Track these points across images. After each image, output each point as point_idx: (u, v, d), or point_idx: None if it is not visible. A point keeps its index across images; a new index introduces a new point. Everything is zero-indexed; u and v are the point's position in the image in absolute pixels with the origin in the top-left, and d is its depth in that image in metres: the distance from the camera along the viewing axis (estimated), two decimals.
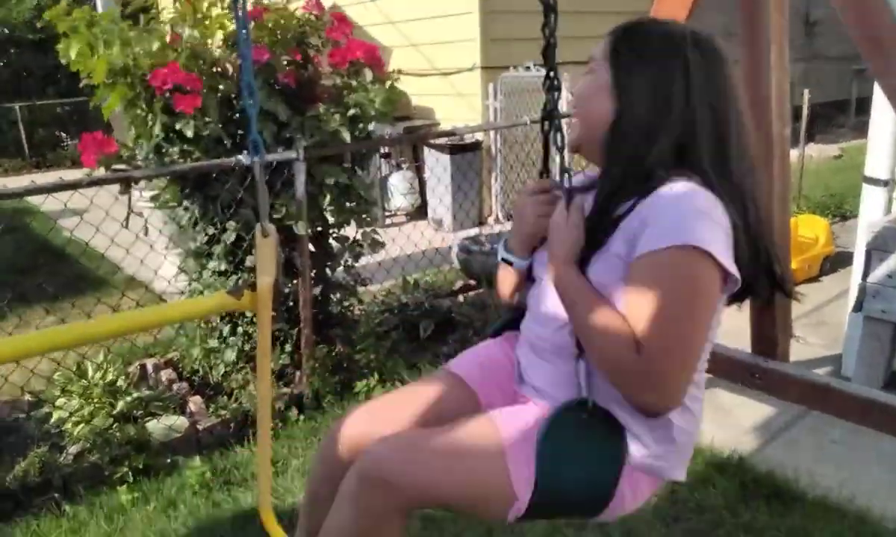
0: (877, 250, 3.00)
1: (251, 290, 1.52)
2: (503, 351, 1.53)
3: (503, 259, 1.45)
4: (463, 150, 5.61)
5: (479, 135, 5.76)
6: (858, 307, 3.12)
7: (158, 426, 2.84)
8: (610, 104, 1.25)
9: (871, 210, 3.25)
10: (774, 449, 2.83)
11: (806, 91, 5.88)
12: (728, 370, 2.12)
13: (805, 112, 5.81)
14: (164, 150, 2.85)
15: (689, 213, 1.13)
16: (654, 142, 1.19)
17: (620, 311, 1.17)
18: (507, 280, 1.48)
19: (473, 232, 4.68)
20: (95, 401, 2.76)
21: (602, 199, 1.26)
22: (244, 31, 1.46)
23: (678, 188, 1.15)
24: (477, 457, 1.25)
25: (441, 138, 5.34)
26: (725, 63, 1.25)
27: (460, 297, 4.24)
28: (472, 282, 4.45)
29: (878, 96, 2.98)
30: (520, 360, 1.45)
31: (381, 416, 1.43)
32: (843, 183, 6.44)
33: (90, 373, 2.91)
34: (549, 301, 1.32)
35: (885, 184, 3.21)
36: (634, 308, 1.15)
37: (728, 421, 3.03)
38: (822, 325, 3.96)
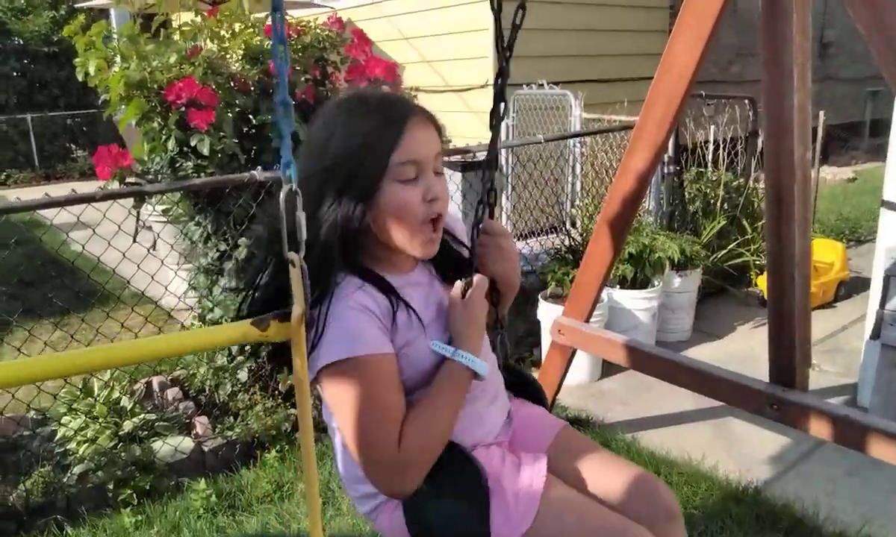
0: (895, 277, 2.95)
1: (278, 321, 1.46)
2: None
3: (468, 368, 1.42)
4: (474, 167, 5.59)
5: None
6: (876, 335, 3.06)
7: (164, 447, 2.80)
8: None
9: (890, 235, 3.20)
10: (790, 481, 2.78)
11: (821, 113, 5.83)
12: (745, 399, 2.07)
13: (820, 134, 5.76)
14: (178, 164, 2.84)
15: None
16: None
17: None
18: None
19: None
20: (101, 420, 2.73)
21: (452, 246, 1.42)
22: (281, 46, 1.40)
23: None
24: None
25: (455, 155, 5.32)
26: None
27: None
28: None
29: None
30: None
31: None
32: (857, 206, 6.38)
33: (96, 390, 2.88)
34: None
35: None
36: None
37: (742, 452, 2.98)
38: (837, 352, 3.91)
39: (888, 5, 1.46)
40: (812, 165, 6.12)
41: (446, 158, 5.77)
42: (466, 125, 6.14)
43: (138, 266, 2.86)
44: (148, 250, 3.33)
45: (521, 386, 1.61)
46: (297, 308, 1.45)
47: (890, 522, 2.49)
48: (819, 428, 1.95)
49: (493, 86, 1.26)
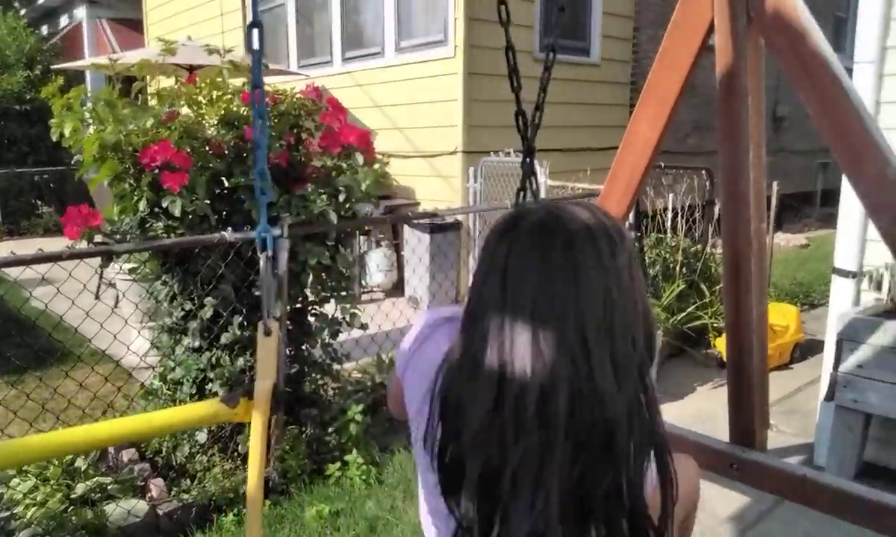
0: (847, 340, 3.06)
1: (248, 398, 1.45)
2: None
3: None
4: (442, 230, 5.69)
5: (459, 216, 5.86)
6: (830, 396, 3.16)
7: (116, 510, 2.73)
8: None
9: (841, 300, 3.34)
10: None
11: (775, 183, 6.10)
12: (707, 460, 2.12)
13: (774, 203, 6.01)
14: (148, 225, 2.86)
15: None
16: None
17: None
18: None
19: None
20: (52, 482, 2.65)
21: None
22: (260, 120, 1.46)
23: None
24: None
25: (425, 218, 5.42)
26: None
27: None
28: None
29: (846, 189, 3.11)
30: None
31: None
32: (810, 272, 6.61)
33: None
34: None
35: (854, 275, 3.31)
36: None
37: (703, 512, 3.00)
38: (793, 413, 4.00)
39: (834, 94, 1.59)
40: (767, 232, 6.36)
41: (416, 221, 5.89)
42: (434, 189, 6.28)
43: (101, 324, 2.83)
44: (112, 309, 3.31)
45: None
46: (267, 381, 1.44)
47: None
48: (778, 487, 2.01)
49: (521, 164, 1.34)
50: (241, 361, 3.14)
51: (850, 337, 3.06)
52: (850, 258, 3.29)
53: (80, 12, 11.99)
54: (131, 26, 11.01)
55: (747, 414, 2.04)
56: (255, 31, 1.09)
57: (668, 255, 4.80)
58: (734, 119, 1.83)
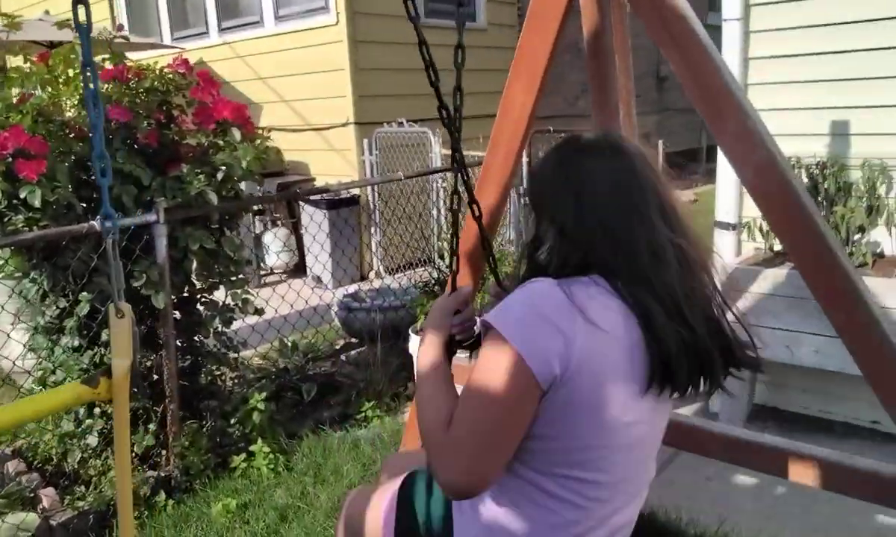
0: (731, 290, 3.21)
1: (108, 378, 1.39)
2: None
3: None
4: (340, 205, 5.57)
5: (358, 190, 5.75)
6: None
7: (4, 526, 2.53)
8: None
9: (724, 252, 3.49)
10: (653, 490, 2.89)
11: (661, 141, 6.31)
12: None
13: (660, 161, 6.22)
14: (6, 219, 2.61)
15: (512, 299, 1.16)
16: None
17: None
18: None
19: (353, 288, 4.61)
20: None
21: None
22: (94, 98, 1.34)
23: (528, 285, 1.17)
24: None
25: (318, 194, 5.27)
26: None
27: (342, 357, 4.14)
28: (354, 339, 4.36)
29: None
30: None
31: None
32: (700, 226, 6.85)
33: None
34: None
35: (734, 227, 3.46)
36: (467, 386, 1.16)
37: None
38: None
39: (693, 48, 1.60)
40: None
41: (312, 197, 5.73)
42: (329, 163, 6.12)
43: None
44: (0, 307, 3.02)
45: None
46: (124, 361, 1.38)
47: (743, 519, 2.66)
48: (668, 437, 2.06)
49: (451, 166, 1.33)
50: None
51: (734, 286, 3.19)
52: (729, 211, 3.44)
53: None
54: None
55: None
56: (81, 7, 0.98)
57: None
58: (602, 79, 1.84)
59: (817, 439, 3.17)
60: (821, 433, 3.26)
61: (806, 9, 3.10)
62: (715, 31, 3.36)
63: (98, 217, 1.17)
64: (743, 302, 3.16)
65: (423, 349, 1.35)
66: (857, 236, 3.09)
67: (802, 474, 1.81)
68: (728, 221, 3.47)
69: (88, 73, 1.00)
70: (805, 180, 3.15)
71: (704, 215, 7.51)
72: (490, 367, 1.11)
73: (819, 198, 3.11)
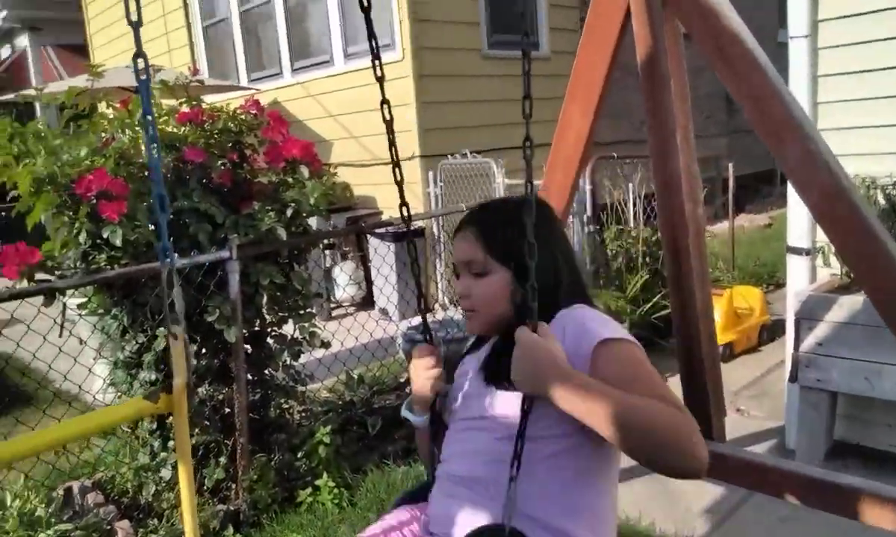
0: (805, 319, 3.08)
1: (168, 393, 1.51)
2: (411, 515, 1.56)
3: (404, 417, 1.59)
4: (405, 238, 5.64)
5: (423, 222, 5.83)
6: (794, 377, 3.17)
7: None
8: (507, 287, 1.41)
9: (797, 279, 3.35)
10: (726, 533, 2.80)
11: (731, 164, 6.14)
12: None
13: (731, 184, 6.05)
14: (91, 257, 2.78)
15: (601, 320, 1.35)
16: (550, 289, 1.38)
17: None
18: (421, 438, 1.61)
19: (417, 320, 4.64)
20: (11, 534, 2.56)
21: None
22: (154, 145, 1.46)
23: (580, 309, 1.37)
24: None
25: (381, 227, 5.37)
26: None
27: (407, 390, 4.16)
28: None
29: None
30: (431, 515, 1.46)
31: None
32: (774, 251, 6.66)
33: (8, 501, 2.72)
34: (477, 437, 1.38)
35: (808, 253, 3.33)
36: (638, 384, 1.22)
37: (677, 507, 2.99)
38: (764, 397, 4.02)
39: (750, 71, 1.58)
40: (727, 215, 6.40)
41: (378, 231, 5.84)
42: (396, 197, 6.22)
43: (49, 366, 2.74)
44: (60, 348, 3.19)
45: None
46: (179, 379, 1.49)
47: None
48: (738, 478, 1.99)
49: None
50: (200, 390, 3.06)
51: (808, 315, 3.07)
52: (802, 236, 3.31)
53: (23, 41, 11.75)
54: (78, 52, 10.79)
55: (702, 402, 2.02)
56: (140, 60, 1.07)
57: (629, 246, 4.80)
58: (658, 104, 1.82)
59: None
60: None
61: (877, 21, 2.98)
62: (785, 48, 3.28)
63: (159, 253, 1.25)
64: (819, 331, 3.03)
65: (571, 379, 1.26)
66: None
67: (883, 518, 1.71)
68: (801, 246, 3.34)
69: (149, 119, 1.09)
70: (882, 202, 3.01)
71: (778, 239, 7.25)
72: (645, 361, 1.27)
73: None
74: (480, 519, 1.29)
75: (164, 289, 1.22)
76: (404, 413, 1.59)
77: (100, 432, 2.87)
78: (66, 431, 1.46)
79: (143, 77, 1.06)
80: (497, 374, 1.36)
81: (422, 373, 1.52)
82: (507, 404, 1.32)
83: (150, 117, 1.08)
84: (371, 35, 1.48)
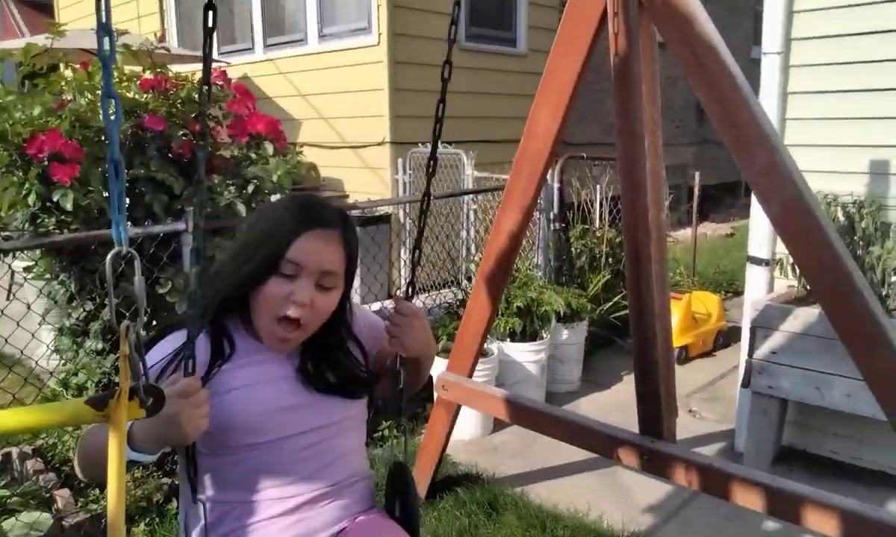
0: (761, 328, 3.12)
1: (117, 400, 1.35)
2: None
3: (134, 461, 1.24)
4: (370, 223, 5.59)
5: (390, 209, 5.77)
6: (746, 383, 3.22)
7: (17, 524, 2.56)
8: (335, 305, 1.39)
9: (755, 288, 3.40)
10: (671, 529, 2.84)
11: (697, 173, 6.22)
12: (618, 451, 2.11)
13: (696, 193, 6.13)
14: (39, 220, 2.68)
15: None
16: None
17: None
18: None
19: (377, 306, 4.60)
20: None
21: (336, 347, 1.45)
22: (111, 101, 1.38)
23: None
24: None
25: (352, 211, 5.31)
26: None
27: None
28: None
29: None
30: None
31: None
32: (734, 260, 6.78)
33: None
34: (338, 443, 1.44)
35: (767, 263, 3.38)
36: None
37: (626, 502, 3.03)
38: (716, 400, 4.08)
39: (722, 79, 1.57)
40: (690, 222, 6.48)
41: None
42: (363, 181, 6.16)
43: (17, 324, 2.64)
44: (28, 307, 3.07)
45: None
46: (126, 385, 1.35)
47: None
48: (686, 478, 2.01)
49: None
50: None
51: (764, 324, 3.12)
52: (762, 246, 3.36)
53: None
54: (43, 11, 10.44)
55: (653, 403, 2.03)
56: (106, 38, 1.01)
57: (594, 246, 4.82)
58: (628, 107, 1.81)
59: (846, 486, 3.05)
60: (850, 480, 3.13)
61: (847, 44, 3.03)
62: (758, 64, 3.31)
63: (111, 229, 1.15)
64: (774, 340, 3.07)
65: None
66: (893, 278, 2.98)
67: (822, 524, 1.74)
68: (760, 257, 3.39)
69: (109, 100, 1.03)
70: (841, 219, 3.06)
71: (739, 249, 7.37)
72: None
73: (856, 238, 3.02)
74: (355, 506, 1.48)
75: (108, 278, 1.02)
76: (135, 456, 1.22)
77: (23, 432, 2.74)
78: None
79: (107, 53, 1.00)
80: (324, 379, 1.40)
81: (195, 413, 1.19)
82: (334, 402, 1.42)
83: (108, 70, 1.01)
84: None
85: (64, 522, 2.64)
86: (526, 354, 3.87)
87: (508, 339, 3.88)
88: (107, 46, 1.11)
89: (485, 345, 3.66)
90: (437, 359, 3.58)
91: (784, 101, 3.23)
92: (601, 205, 5.03)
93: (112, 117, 1.20)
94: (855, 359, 1.58)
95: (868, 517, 1.71)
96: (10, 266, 2.64)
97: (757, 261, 3.42)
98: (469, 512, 2.86)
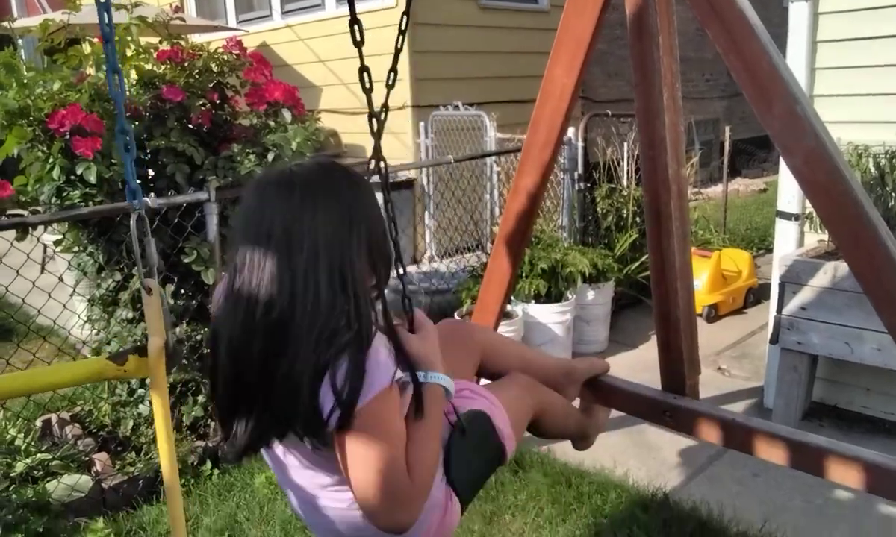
0: (790, 283, 3.07)
1: (138, 355, 1.40)
2: None
3: (444, 387, 1.30)
4: (394, 189, 5.58)
5: (413, 173, 5.75)
6: (775, 339, 3.18)
7: (59, 486, 2.67)
8: None
9: (784, 243, 3.34)
10: (698, 485, 2.84)
11: (728, 128, 6.07)
12: (640, 409, 2.10)
13: (727, 148, 5.99)
14: (64, 194, 2.73)
15: None
16: None
17: None
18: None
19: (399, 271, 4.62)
20: None
21: None
22: (116, 75, 1.40)
23: None
24: None
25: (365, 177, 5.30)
26: None
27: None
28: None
29: None
30: None
31: None
32: (766, 216, 6.64)
33: None
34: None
35: (797, 218, 3.30)
36: None
37: (653, 459, 3.03)
38: (745, 358, 4.03)
39: (741, 31, 1.52)
40: (721, 178, 6.35)
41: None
42: (385, 146, 6.10)
43: (24, 301, 2.72)
44: (59, 279, 3.15)
45: None
46: (157, 339, 1.41)
47: (789, 518, 2.57)
48: (709, 434, 1.99)
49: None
50: (178, 330, 3.05)
51: (793, 279, 3.06)
52: (792, 201, 3.28)
53: None
54: None
55: (676, 360, 2.01)
56: (105, 14, 1.02)
57: (620, 205, 4.76)
58: (645, 60, 1.76)
59: (876, 441, 3.01)
60: (881, 434, 3.09)
61: None
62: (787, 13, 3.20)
63: (126, 193, 1.19)
64: (803, 295, 3.02)
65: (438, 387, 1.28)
66: None
67: (846, 476, 1.71)
68: (790, 211, 3.31)
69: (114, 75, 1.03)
70: (873, 170, 2.97)
71: (772, 205, 7.21)
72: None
73: (887, 189, 2.93)
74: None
75: (133, 236, 1.14)
76: (443, 380, 1.27)
77: (50, 390, 2.81)
78: (12, 385, 1.35)
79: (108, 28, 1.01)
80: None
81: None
82: None
83: (110, 44, 1.03)
84: None
85: (103, 484, 2.75)
86: (551, 315, 3.87)
87: (533, 301, 3.87)
88: (106, 22, 1.13)
89: (508, 307, 3.67)
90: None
91: (813, 50, 3.12)
92: (628, 163, 4.94)
93: (117, 89, 1.22)
94: (879, 312, 1.54)
95: (891, 468, 1.69)
96: (38, 239, 2.69)
97: (786, 216, 3.34)
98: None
